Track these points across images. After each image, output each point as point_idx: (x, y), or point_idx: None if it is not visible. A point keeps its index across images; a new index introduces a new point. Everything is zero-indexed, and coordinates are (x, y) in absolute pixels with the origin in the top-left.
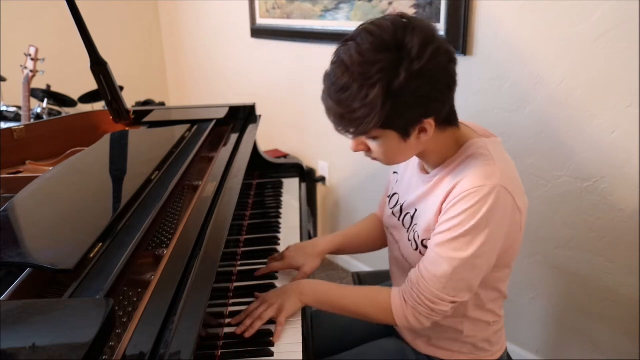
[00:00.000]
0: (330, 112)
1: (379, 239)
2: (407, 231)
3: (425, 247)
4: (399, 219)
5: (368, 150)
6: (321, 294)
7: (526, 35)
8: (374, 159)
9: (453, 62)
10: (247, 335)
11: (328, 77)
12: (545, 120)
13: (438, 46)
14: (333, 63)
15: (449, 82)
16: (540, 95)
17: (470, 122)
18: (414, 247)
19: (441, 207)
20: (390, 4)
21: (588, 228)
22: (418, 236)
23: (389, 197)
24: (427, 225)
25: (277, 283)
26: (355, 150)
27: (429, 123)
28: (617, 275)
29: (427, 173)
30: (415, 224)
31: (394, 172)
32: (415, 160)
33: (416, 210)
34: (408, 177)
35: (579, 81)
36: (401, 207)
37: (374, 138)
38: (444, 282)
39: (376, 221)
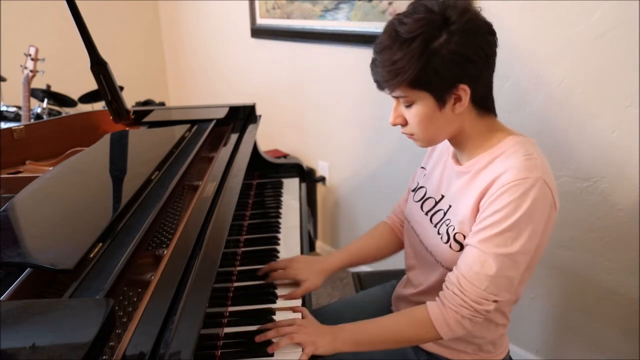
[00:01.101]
0: (375, 70)
1: (389, 247)
2: (435, 226)
3: (457, 241)
4: (426, 214)
5: (405, 124)
6: (358, 334)
7: (526, 35)
8: (410, 135)
9: (492, 34)
10: (269, 350)
11: (377, 42)
12: (545, 120)
13: (476, 15)
14: (384, 30)
15: (487, 51)
16: (540, 95)
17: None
18: (445, 240)
19: (479, 201)
20: (390, 4)
21: (588, 228)
22: (453, 229)
23: (413, 190)
24: (462, 218)
25: (277, 284)
26: (394, 123)
27: (464, 89)
28: (617, 275)
29: (460, 164)
30: (449, 219)
31: (422, 167)
32: (448, 153)
33: (450, 206)
34: (439, 172)
35: (579, 81)
36: (434, 202)
37: (410, 105)
38: (489, 280)
39: (385, 230)
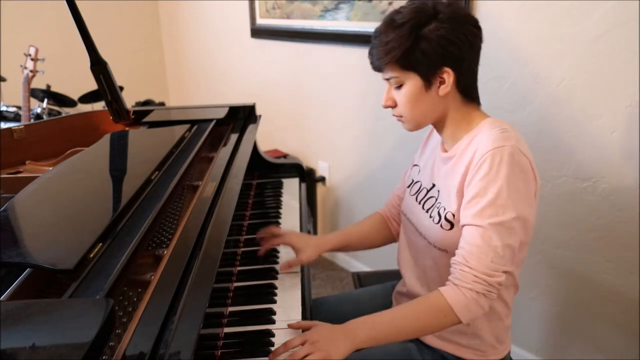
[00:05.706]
0: (371, 51)
1: (381, 237)
2: (427, 211)
3: (448, 220)
4: (419, 202)
5: (395, 106)
6: (376, 327)
7: (526, 35)
8: (400, 117)
9: (477, 27)
10: None
11: (375, 29)
12: (545, 120)
13: (463, 10)
14: (383, 20)
15: (471, 39)
16: (540, 95)
17: None
18: (436, 220)
19: (464, 177)
20: (390, 4)
21: (588, 228)
22: (444, 209)
23: (409, 186)
24: (451, 196)
25: (277, 284)
26: (385, 105)
27: (448, 72)
28: (617, 275)
29: (447, 151)
30: (439, 202)
31: (415, 165)
32: (437, 145)
33: (439, 191)
34: (430, 165)
35: (579, 81)
36: (426, 191)
37: (400, 86)
38: (493, 251)
39: (377, 219)
